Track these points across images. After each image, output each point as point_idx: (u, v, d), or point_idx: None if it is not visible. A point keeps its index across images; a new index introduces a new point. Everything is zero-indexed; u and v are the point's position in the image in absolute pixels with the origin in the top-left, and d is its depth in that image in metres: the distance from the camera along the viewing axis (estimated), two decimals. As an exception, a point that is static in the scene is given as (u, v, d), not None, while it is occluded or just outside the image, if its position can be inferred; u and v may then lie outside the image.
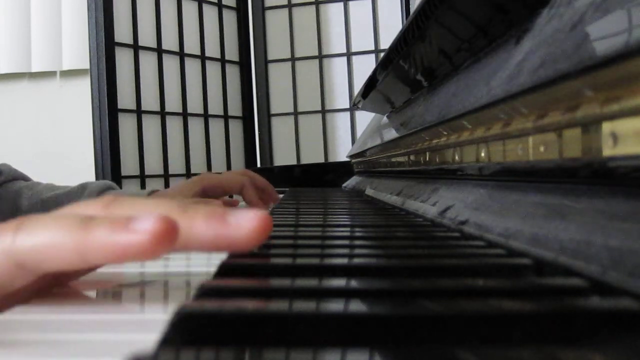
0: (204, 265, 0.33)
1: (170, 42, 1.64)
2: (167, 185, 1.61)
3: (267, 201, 0.85)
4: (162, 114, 1.62)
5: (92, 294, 0.28)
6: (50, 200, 0.83)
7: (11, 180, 0.89)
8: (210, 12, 1.76)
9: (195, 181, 0.81)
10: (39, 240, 0.24)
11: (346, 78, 1.79)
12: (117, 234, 0.22)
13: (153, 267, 0.33)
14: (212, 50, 1.75)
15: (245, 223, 0.25)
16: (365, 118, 1.58)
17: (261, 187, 0.84)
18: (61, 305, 0.25)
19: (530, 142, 0.33)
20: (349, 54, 1.79)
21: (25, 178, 0.93)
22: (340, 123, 1.81)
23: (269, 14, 1.84)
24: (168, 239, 0.22)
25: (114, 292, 0.29)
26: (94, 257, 0.23)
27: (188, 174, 1.67)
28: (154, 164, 1.60)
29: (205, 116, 1.73)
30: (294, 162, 1.81)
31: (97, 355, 0.18)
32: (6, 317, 0.22)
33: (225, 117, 1.78)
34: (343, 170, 1.42)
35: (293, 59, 1.83)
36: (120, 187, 1.48)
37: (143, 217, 0.23)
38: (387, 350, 0.17)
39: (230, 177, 0.83)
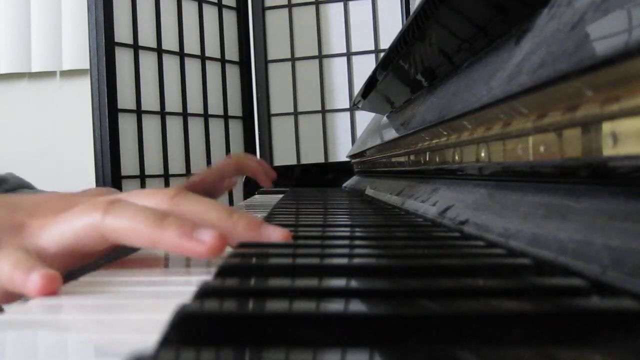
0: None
1: (170, 42, 1.64)
2: (167, 185, 1.61)
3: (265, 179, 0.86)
4: (162, 114, 1.61)
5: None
6: None
7: (15, 189, 0.89)
8: (210, 12, 1.76)
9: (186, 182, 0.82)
10: (123, 225, 0.32)
11: (346, 78, 1.79)
12: (183, 240, 0.31)
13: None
14: (212, 50, 1.75)
15: (274, 235, 0.36)
16: (365, 118, 1.58)
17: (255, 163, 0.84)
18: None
19: (530, 142, 0.33)
20: (349, 54, 1.79)
21: (29, 187, 0.93)
22: (340, 123, 1.81)
23: (269, 14, 1.84)
24: (218, 251, 0.31)
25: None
26: (162, 247, 0.32)
27: (188, 174, 1.67)
28: (154, 164, 1.60)
29: (205, 116, 1.73)
30: (294, 162, 1.81)
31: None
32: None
33: (225, 117, 1.78)
34: (343, 170, 1.42)
35: (293, 59, 1.83)
36: (121, 188, 1.48)
37: (204, 230, 0.31)
38: (387, 350, 0.17)
39: (221, 163, 0.84)
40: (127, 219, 0.32)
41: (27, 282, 0.29)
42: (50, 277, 0.28)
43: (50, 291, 0.28)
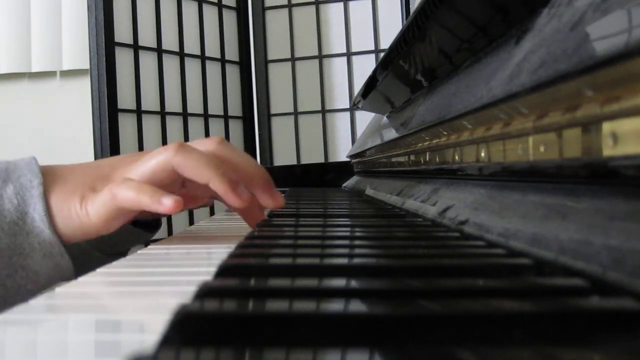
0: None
1: (170, 42, 1.64)
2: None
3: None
4: (162, 114, 1.61)
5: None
6: None
7: None
8: (210, 12, 1.76)
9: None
10: (190, 162, 0.42)
11: (346, 78, 1.79)
12: (230, 190, 0.42)
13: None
14: (212, 50, 1.75)
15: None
16: (365, 118, 1.58)
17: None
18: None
19: (530, 142, 0.33)
20: (349, 54, 1.79)
21: None
22: (340, 123, 1.81)
23: (269, 14, 1.84)
24: (247, 206, 0.44)
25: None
26: (213, 187, 0.42)
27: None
28: (154, 164, 1.60)
29: (205, 116, 1.73)
30: (294, 162, 1.81)
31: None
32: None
33: (225, 117, 1.78)
34: (343, 170, 1.42)
35: (293, 59, 1.83)
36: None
37: (244, 190, 0.44)
38: (387, 350, 0.17)
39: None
40: (193, 159, 0.42)
41: (159, 203, 0.40)
42: (177, 200, 0.40)
43: (178, 209, 0.40)
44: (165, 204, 0.40)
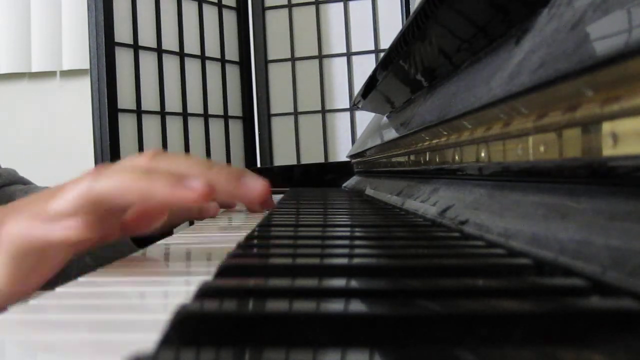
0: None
1: (170, 42, 1.64)
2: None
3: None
4: (162, 114, 1.62)
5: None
6: None
7: (8, 185, 0.89)
8: (210, 12, 1.76)
9: None
10: (112, 185, 0.32)
11: (346, 78, 1.79)
12: (175, 188, 0.31)
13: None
14: (212, 50, 1.75)
15: (253, 188, 0.33)
16: (365, 118, 1.58)
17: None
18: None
19: (530, 142, 0.33)
20: (349, 54, 1.79)
21: (24, 182, 0.92)
22: (340, 123, 1.81)
23: (269, 14, 1.84)
24: (208, 197, 0.31)
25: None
26: (154, 200, 0.31)
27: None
28: (154, 164, 1.60)
29: (205, 116, 1.73)
30: (294, 162, 1.81)
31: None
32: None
33: (225, 117, 1.78)
34: (343, 170, 1.42)
35: (293, 59, 1.83)
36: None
37: (192, 178, 0.31)
38: (387, 350, 0.17)
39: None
40: (115, 179, 0.32)
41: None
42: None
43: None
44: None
